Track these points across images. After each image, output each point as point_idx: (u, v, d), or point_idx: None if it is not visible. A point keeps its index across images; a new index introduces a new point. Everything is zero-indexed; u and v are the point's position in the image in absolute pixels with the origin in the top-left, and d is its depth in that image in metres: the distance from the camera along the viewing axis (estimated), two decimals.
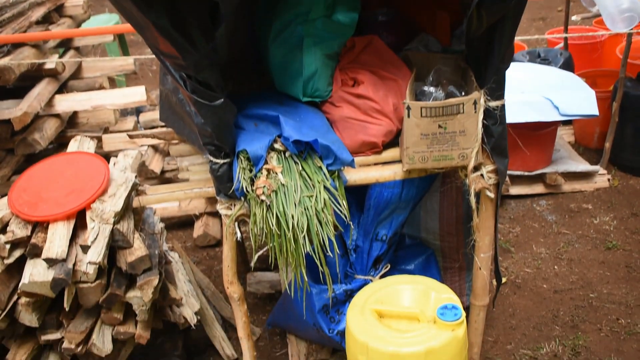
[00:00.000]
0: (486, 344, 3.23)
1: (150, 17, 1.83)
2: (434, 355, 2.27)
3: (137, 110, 5.10)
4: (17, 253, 2.63)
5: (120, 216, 2.70)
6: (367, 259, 2.82)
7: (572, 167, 4.57)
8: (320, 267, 2.31)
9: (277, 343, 3.42)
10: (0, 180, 4.05)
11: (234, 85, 2.69)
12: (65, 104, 4.42)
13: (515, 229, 4.21)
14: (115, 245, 2.70)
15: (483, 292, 2.63)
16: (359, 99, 2.52)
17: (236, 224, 2.40)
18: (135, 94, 4.52)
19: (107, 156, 3.13)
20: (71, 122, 4.61)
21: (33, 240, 2.59)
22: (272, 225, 2.20)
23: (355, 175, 2.41)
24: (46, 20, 4.90)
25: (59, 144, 4.52)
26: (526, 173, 4.53)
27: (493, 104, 2.25)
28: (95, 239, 2.58)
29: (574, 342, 3.22)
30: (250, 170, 2.26)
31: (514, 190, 4.55)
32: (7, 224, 2.68)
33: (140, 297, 2.70)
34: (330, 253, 2.27)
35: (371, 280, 2.79)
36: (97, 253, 2.54)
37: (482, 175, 2.38)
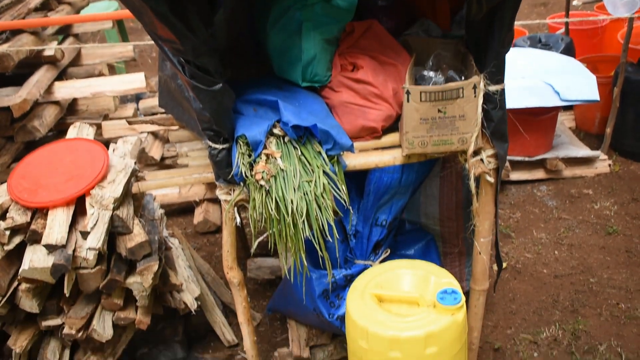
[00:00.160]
0: (486, 329, 3.24)
1: (148, 2, 1.82)
2: (433, 340, 2.27)
3: (137, 97, 5.09)
4: (17, 239, 2.63)
5: (119, 202, 2.70)
6: (367, 244, 2.82)
7: (573, 153, 4.56)
8: (319, 252, 2.31)
9: (277, 328, 3.43)
10: (0, 167, 4.05)
11: (233, 71, 2.68)
12: (65, 91, 4.41)
13: (516, 214, 4.21)
14: (115, 231, 2.71)
15: (483, 276, 2.64)
16: (358, 83, 2.51)
17: (235, 209, 2.39)
18: (135, 81, 4.51)
19: (107, 143, 3.12)
20: (71, 109, 4.60)
21: (33, 227, 2.59)
22: (272, 210, 2.20)
23: (354, 160, 2.41)
24: (45, 7, 4.88)
25: (59, 131, 4.50)
26: (527, 158, 4.52)
27: (493, 88, 2.24)
28: (95, 225, 2.59)
29: (574, 326, 3.22)
30: (249, 156, 2.26)
31: (515, 175, 4.54)
32: (6, 211, 2.68)
33: (140, 282, 2.70)
34: (329, 238, 2.27)
35: (371, 265, 2.79)
36: (96, 239, 2.55)
37: (481, 159, 2.37)
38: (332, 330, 3.02)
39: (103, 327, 2.74)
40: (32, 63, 4.36)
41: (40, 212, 2.69)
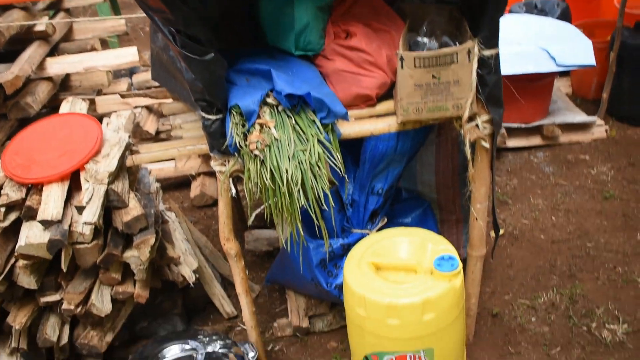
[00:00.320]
0: (484, 295, 3.25)
1: None
2: (430, 306, 2.28)
3: (130, 72, 5.04)
4: (13, 216, 2.63)
5: (114, 176, 2.69)
6: (363, 213, 2.82)
7: (570, 119, 4.55)
8: (316, 222, 2.31)
9: (276, 299, 3.44)
10: None
11: (224, 41, 2.65)
12: (57, 66, 4.37)
13: (513, 181, 4.20)
14: (111, 206, 2.70)
15: (480, 242, 2.64)
16: (351, 51, 2.49)
17: (231, 180, 2.39)
18: (127, 55, 4.46)
19: (101, 119, 3.10)
20: (64, 85, 4.56)
21: (28, 203, 2.59)
22: (267, 180, 2.20)
23: (349, 129, 2.39)
24: None
25: (52, 107, 4.46)
26: (523, 125, 4.50)
27: (487, 52, 2.22)
28: (90, 199, 2.58)
29: (572, 291, 3.23)
30: (243, 126, 2.25)
31: (511, 142, 4.53)
32: (1, 187, 2.67)
33: (137, 256, 2.70)
34: (326, 207, 2.27)
35: (368, 234, 2.79)
36: (92, 213, 2.54)
37: (477, 125, 2.36)
38: (330, 299, 3.03)
39: (102, 302, 2.75)
40: (23, 39, 4.32)
41: (35, 188, 2.68)
